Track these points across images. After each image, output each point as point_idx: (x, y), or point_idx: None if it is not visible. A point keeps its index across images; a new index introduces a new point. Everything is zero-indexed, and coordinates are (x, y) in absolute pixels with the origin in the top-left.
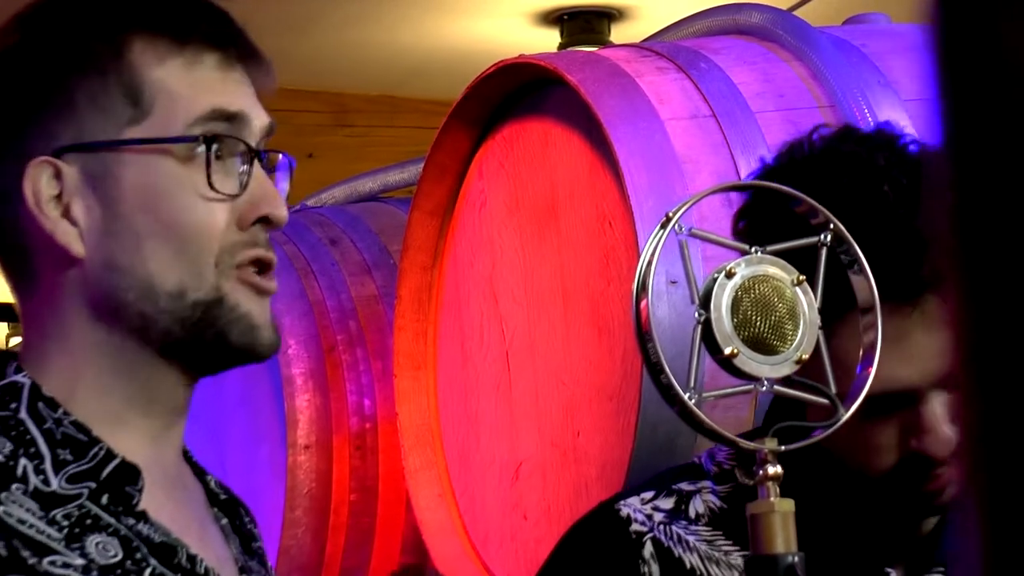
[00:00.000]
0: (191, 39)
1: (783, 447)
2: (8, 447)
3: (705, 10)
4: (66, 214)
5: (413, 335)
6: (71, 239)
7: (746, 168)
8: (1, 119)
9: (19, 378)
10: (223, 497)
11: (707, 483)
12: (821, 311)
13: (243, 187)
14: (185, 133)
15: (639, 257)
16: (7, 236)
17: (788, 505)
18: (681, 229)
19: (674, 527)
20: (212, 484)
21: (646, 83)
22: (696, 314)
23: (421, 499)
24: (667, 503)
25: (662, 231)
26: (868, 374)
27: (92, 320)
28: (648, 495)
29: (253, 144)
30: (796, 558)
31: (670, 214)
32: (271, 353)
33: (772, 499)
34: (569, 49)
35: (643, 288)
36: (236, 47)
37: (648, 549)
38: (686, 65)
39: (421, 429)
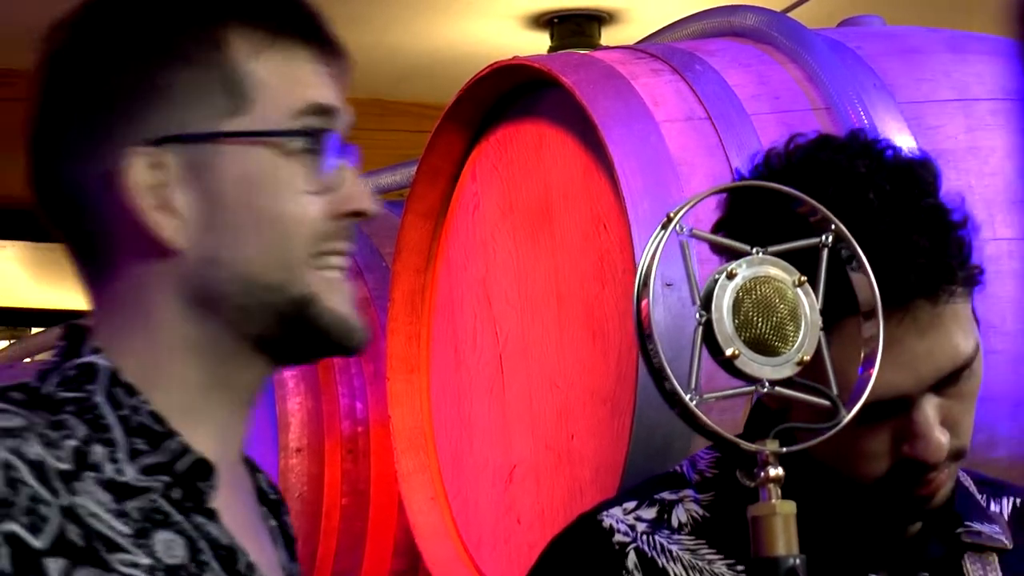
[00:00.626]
0: (287, 32)
1: (784, 449)
2: (83, 431)
3: (700, 12)
4: (164, 205)
5: (406, 338)
6: (170, 231)
7: (742, 169)
8: (97, 107)
9: (97, 359)
10: (272, 497)
11: (689, 492)
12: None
13: (336, 180)
14: (284, 126)
15: (635, 259)
16: (90, 222)
17: (789, 507)
18: (682, 230)
19: (657, 537)
20: (263, 482)
21: (641, 85)
22: (697, 315)
23: (414, 502)
24: (649, 513)
25: (663, 231)
26: (870, 375)
27: (183, 311)
28: (630, 505)
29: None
30: (797, 560)
31: (671, 214)
32: (362, 349)
33: (774, 501)
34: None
35: (644, 288)
36: (327, 41)
37: (632, 559)
38: (681, 67)
39: (414, 432)
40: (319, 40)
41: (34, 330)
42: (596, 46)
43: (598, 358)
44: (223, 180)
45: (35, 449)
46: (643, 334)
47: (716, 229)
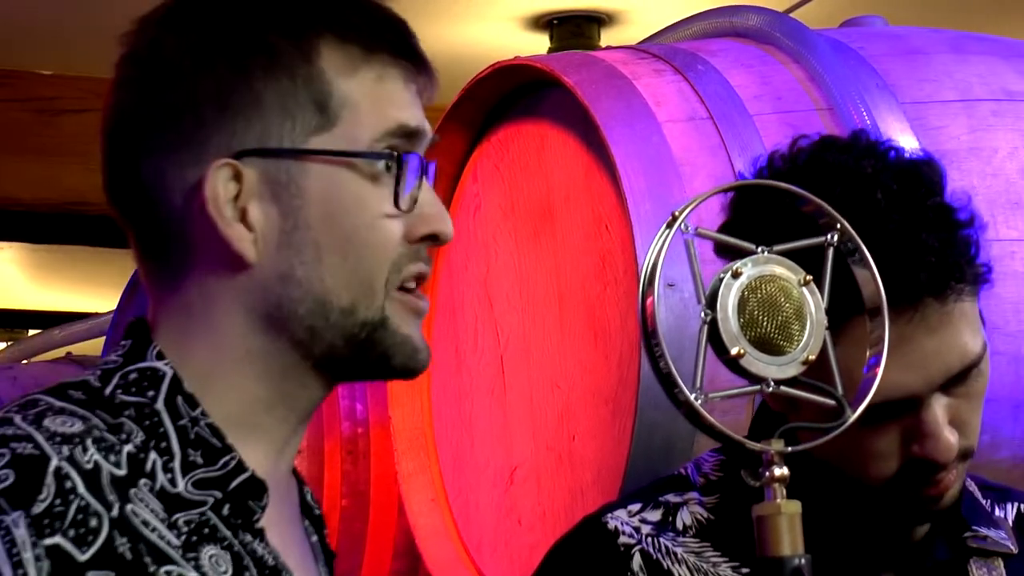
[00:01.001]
0: (380, 49)
1: (790, 448)
2: (140, 437)
3: (702, 12)
4: (242, 218)
5: None
6: (245, 244)
7: (743, 171)
8: (180, 114)
9: (160, 365)
10: (316, 512)
11: (694, 494)
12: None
13: (415, 203)
14: (371, 147)
15: (637, 260)
16: (166, 226)
17: (795, 507)
18: (687, 228)
19: (662, 539)
20: (308, 497)
21: (643, 85)
22: (702, 314)
23: (414, 504)
24: (654, 515)
25: (668, 230)
26: (875, 374)
27: (251, 326)
28: (635, 507)
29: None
30: (803, 560)
31: (676, 213)
32: (422, 372)
33: (779, 501)
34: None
35: (649, 287)
36: (416, 60)
37: (637, 561)
38: (683, 67)
39: (414, 433)
40: (409, 57)
41: (31, 332)
42: (595, 47)
43: (599, 359)
44: (304, 198)
45: (92, 456)
46: (648, 333)
47: (721, 232)
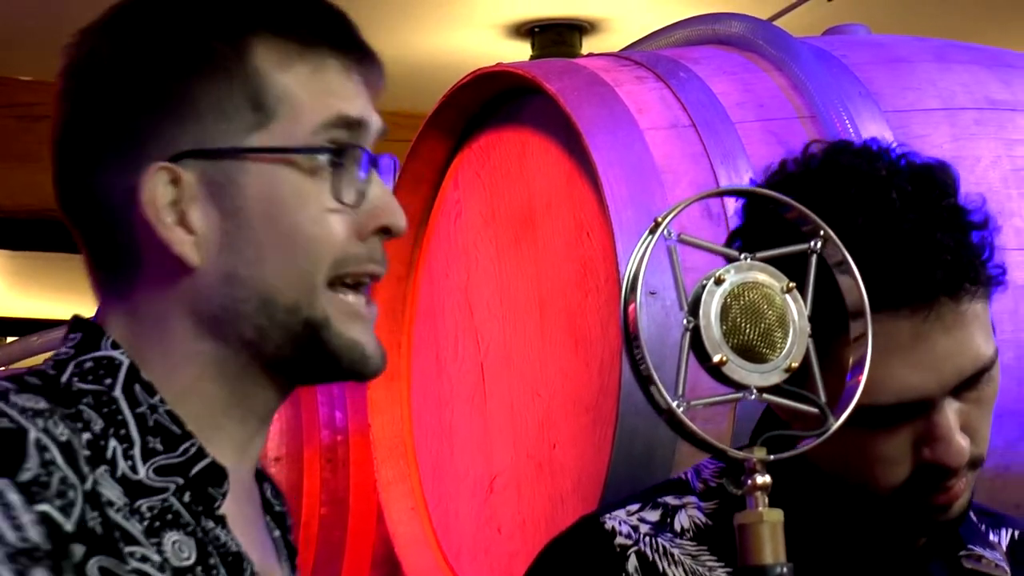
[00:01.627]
0: (316, 42)
1: (772, 456)
2: (99, 424)
3: (684, 20)
4: (182, 221)
5: (387, 346)
6: (187, 248)
7: (726, 179)
8: (118, 121)
9: (116, 354)
10: (277, 508)
11: (692, 499)
12: (823, 322)
13: (363, 196)
14: (309, 141)
15: (618, 268)
16: (112, 233)
17: (777, 515)
18: (670, 235)
19: (660, 539)
20: (268, 492)
21: (625, 92)
22: (685, 321)
23: (394, 512)
24: (653, 515)
25: (651, 236)
26: (859, 381)
27: (198, 329)
28: (634, 507)
29: (369, 149)
30: (785, 569)
31: (659, 219)
32: (375, 376)
33: (760, 509)
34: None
35: (632, 293)
36: (357, 50)
37: (632, 563)
38: (665, 75)
39: (394, 441)
40: (349, 48)
41: (9, 339)
42: (577, 55)
43: (580, 367)
44: (244, 197)
45: (63, 430)
46: (630, 340)
47: (732, 239)
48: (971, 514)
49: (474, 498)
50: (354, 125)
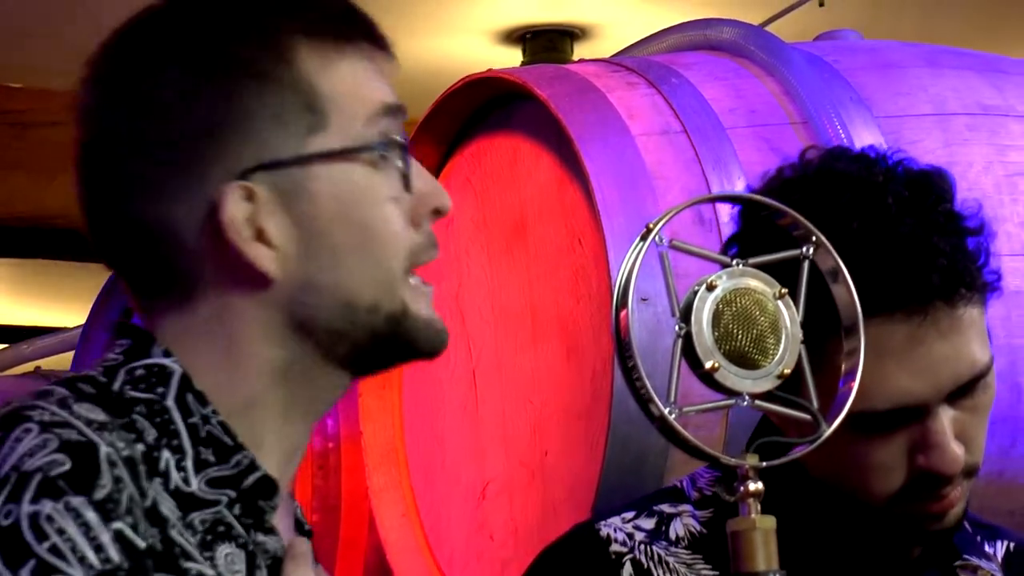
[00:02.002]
0: (345, 38)
1: (764, 463)
2: (152, 435)
3: (676, 25)
4: (259, 236)
5: None
6: (267, 261)
7: (717, 185)
8: (180, 148)
9: (168, 362)
10: (306, 528)
11: (687, 507)
12: (816, 328)
13: (413, 183)
14: (364, 134)
15: (610, 274)
16: (173, 261)
17: (769, 522)
18: (661, 241)
19: (655, 547)
20: (298, 512)
21: (616, 98)
22: (677, 327)
23: (386, 518)
24: (648, 523)
25: (642, 242)
26: (851, 388)
27: (273, 338)
28: (629, 515)
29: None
30: None
31: (651, 225)
32: (443, 350)
33: (753, 516)
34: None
35: (624, 299)
36: (378, 38)
37: (627, 570)
38: (657, 80)
39: (386, 448)
40: (371, 37)
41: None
42: (569, 61)
43: (572, 374)
44: (316, 203)
45: (124, 445)
46: (622, 346)
47: (728, 246)
48: (966, 524)
49: (466, 505)
50: (395, 111)
